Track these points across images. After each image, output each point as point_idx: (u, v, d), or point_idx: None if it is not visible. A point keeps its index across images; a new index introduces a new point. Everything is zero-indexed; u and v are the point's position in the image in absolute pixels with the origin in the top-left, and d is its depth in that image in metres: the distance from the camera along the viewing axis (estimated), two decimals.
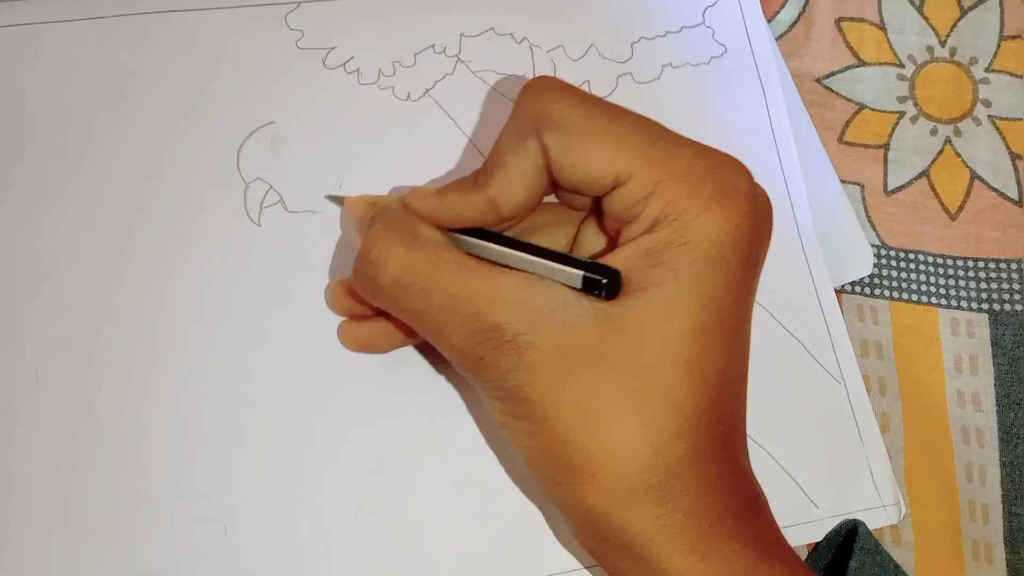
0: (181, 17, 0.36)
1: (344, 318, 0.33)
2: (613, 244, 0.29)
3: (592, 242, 0.30)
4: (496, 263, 0.28)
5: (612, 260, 0.27)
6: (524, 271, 0.27)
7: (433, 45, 0.37)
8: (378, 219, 0.29)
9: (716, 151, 0.28)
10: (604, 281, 0.26)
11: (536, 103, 0.27)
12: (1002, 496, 0.36)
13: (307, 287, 0.33)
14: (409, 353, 0.33)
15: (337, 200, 0.34)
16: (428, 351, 0.33)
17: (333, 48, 0.36)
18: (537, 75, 0.28)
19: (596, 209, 0.29)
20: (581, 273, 0.26)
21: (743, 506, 0.27)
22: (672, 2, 0.40)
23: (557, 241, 0.31)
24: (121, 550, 0.30)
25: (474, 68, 0.37)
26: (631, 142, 0.27)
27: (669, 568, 0.26)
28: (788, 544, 0.28)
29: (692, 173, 0.27)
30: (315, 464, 0.32)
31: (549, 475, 0.27)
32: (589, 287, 0.26)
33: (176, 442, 0.31)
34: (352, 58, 0.36)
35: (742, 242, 0.27)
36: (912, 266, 0.39)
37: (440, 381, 0.33)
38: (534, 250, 0.27)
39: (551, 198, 0.30)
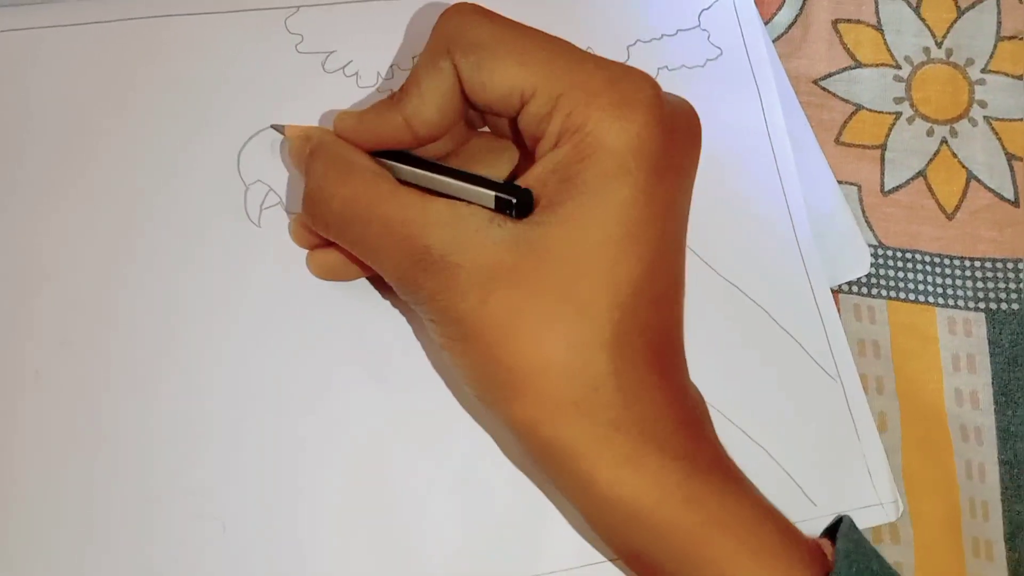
0: (181, 21, 0.36)
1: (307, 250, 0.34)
2: (531, 161, 0.29)
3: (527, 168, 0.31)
4: (428, 191, 0.29)
5: (525, 180, 0.28)
6: (448, 196, 0.28)
7: None
8: (318, 155, 0.31)
9: (621, 64, 0.28)
10: (514, 201, 0.27)
11: (449, 25, 0.29)
12: (1001, 493, 0.36)
13: (306, 288, 0.34)
14: (409, 354, 0.33)
15: (279, 128, 0.34)
16: (381, 286, 0.34)
17: (332, 52, 0.37)
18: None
19: (514, 133, 0.30)
20: (493, 194, 0.27)
21: (677, 419, 0.28)
22: (667, 5, 0.40)
23: (500, 167, 0.31)
24: (120, 548, 0.30)
25: None
26: (535, 58, 0.28)
27: (600, 480, 0.27)
28: (730, 460, 0.29)
29: (591, 84, 0.27)
30: (314, 462, 0.32)
31: (483, 392, 0.28)
32: (501, 207, 0.27)
33: (175, 441, 0.32)
34: (351, 62, 0.37)
35: (645, 152, 0.27)
36: (909, 266, 0.39)
37: (440, 380, 0.33)
38: (454, 174, 0.29)
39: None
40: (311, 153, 0.31)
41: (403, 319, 0.34)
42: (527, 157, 0.31)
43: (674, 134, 0.28)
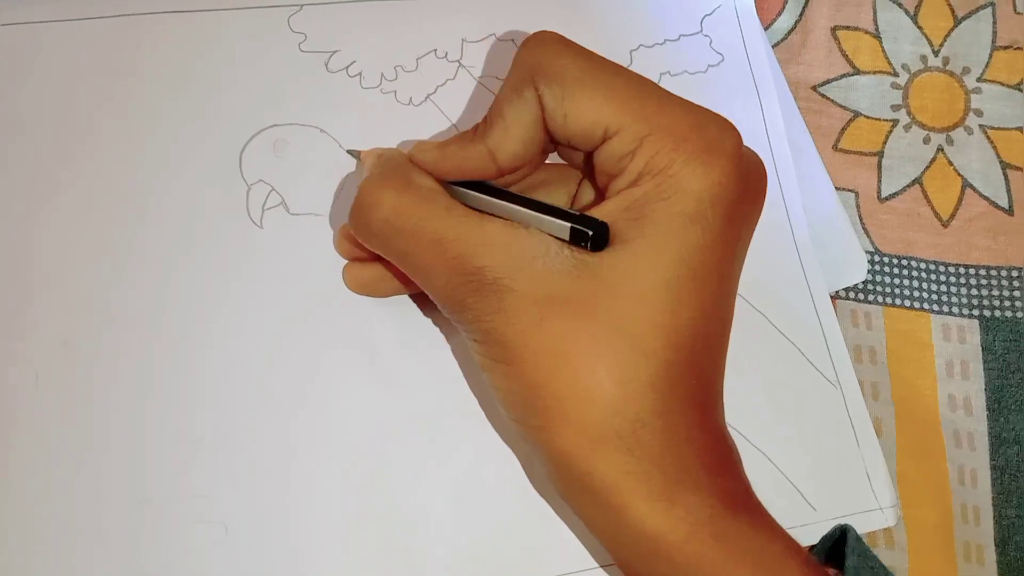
0: (184, 18, 0.36)
1: (347, 261, 0.34)
2: (601, 197, 0.29)
3: (587, 199, 0.31)
4: (487, 213, 0.29)
5: (596, 213, 0.28)
6: (514, 221, 0.28)
7: (435, 50, 0.37)
8: (378, 165, 0.31)
9: (706, 110, 0.28)
10: (591, 233, 0.27)
11: (533, 55, 0.28)
12: (993, 499, 0.37)
13: (308, 288, 0.33)
14: (412, 359, 0.33)
15: (355, 153, 0.34)
16: (423, 303, 0.34)
17: (336, 51, 0.36)
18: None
19: (587, 165, 0.30)
20: (569, 225, 0.27)
21: (712, 460, 0.28)
22: (671, 10, 0.40)
23: (558, 199, 0.31)
24: (121, 552, 0.30)
25: (476, 73, 0.37)
26: (622, 96, 0.27)
27: (633, 514, 0.27)
28: (758, 500, 0.29)
29: (678, 128, 0.27)
30: (316, 466, 0.32)
31: (523, 417, 0.28)
32: (576, 239, 0.27)
33: (177, 444, 0.31)
34: (355, 62, 0.36)
35: (724, 201, 0.27)
36: (905, 272, 0.39)
37: (442, 383, 0.33)
38: (527, 203, 0.28)
39: (556, 158, 0.31)
40: (374, 165, 0.31)
41: (405, 322, 0.34)
42: (585, 189, 0.31)
43: (748, 184, 0.28)
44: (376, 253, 0.31)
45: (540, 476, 0.32)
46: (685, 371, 0.27)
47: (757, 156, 0.29)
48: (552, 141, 0.29)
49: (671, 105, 0.28)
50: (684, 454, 0.27)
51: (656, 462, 0.27)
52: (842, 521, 0.34)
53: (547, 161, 0.32)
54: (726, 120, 0.28)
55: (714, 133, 0.27)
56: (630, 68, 0.29)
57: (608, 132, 0.27)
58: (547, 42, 0.28)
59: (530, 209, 0.28)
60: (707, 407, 0.28)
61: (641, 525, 0.27)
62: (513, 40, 0.38)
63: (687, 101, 0.28)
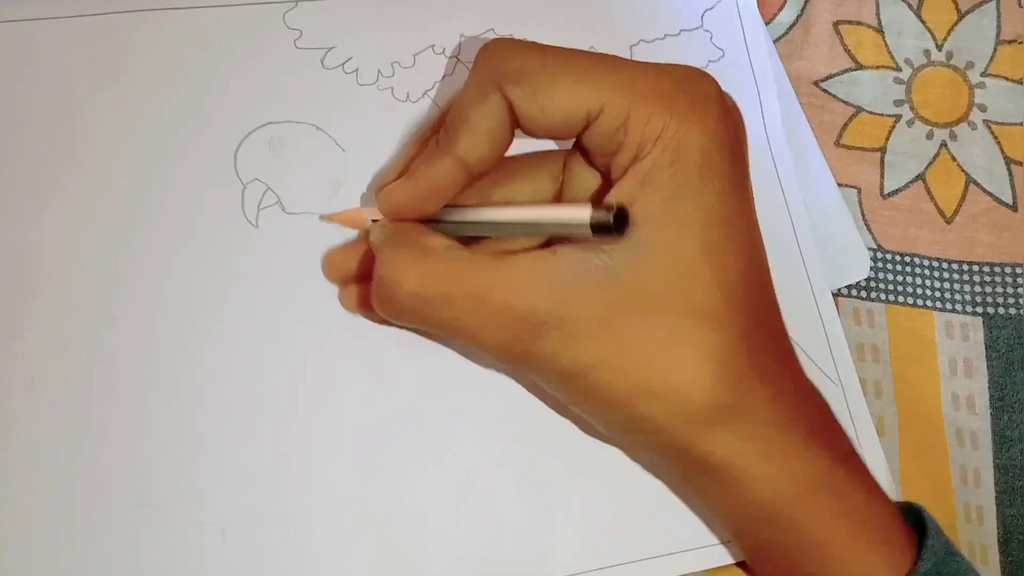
0: (179, 15, 0.36)
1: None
2: (606, 177, 0.29)
3: (584, 180, 0.30)
4: (505, 251, 0.28)
5: (614, 195, 0.27)
6: (540, 249, 0.27)
7: (433, 46, 0.37)
8: (388, 241, 0.30)
9: (677, 65, 0.28)
10: (611, 221, 0.26)
11: (495, 60, 0.28)
12: (996, 498, 0.37)
13: (305, 289, 0.33)
14: (412, 359, 0.33)
15: (330, 220, 0.34)
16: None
17: (332, 48, 0.36)
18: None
19: (581, 149, 0.30)
20: (587, 217, 0.26)
21: (812, 410, 0.29)
22: (671, 5, 0.40)
23: (544, 185, 0.31)
24: (119, 554, 0.30)
25: None
26: (593, 74, 0.27)
27: (756, 477, 0.27)
28: (854, 449, 0.29)
29: (660, 90, 0.27)
30: (314, 468, 0.32)
31: (626, 430, 0.28)
32: (599, 230, 0.26)
33: (174, 446, 0.31)
34: (351, 58, 0.36)
35: (725, 145, 0.27)
36: (908, 269, 0.39)
37: (441, 384, 0.33)
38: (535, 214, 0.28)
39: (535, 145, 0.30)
40: (383, 242, 0.30)
41: None
42: (574, 172, 0.30)
43: (737, 123, 0.28)
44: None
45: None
46: (753, 321, 0.28)
47: (729, 95, 0.29)
48: (531, 136, 0.29)
49: (644, 70, 0.28)
50: (787, 407, 0.28)
51: (768, 422, 0.27)
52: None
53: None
54: (699, 69, 0.28)
55: (694, 84, 0.28)
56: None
57: (591, 114, 0.27)
58: (505, 44, 0.28)
59: (540, 213, 0.28)
60: (787, 355, 0.29)
61: (762, 490, 0.27)
62: (512, 36, 0.37)
63: (655, 63, 0.28)
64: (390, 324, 0.32)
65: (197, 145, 0.34)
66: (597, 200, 0.29)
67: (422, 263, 0.28)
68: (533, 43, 0.28)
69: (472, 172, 0.29)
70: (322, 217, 0.34)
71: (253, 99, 0.35)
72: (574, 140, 0.30)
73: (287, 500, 0.31)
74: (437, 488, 0.32)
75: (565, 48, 0.28)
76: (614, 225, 0.26)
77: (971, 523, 0.36)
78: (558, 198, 0.31)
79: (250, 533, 0.31)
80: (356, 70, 0.36)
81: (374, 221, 0.31)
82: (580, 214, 0.26)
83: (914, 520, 0.29)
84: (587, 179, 0.30)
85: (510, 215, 0.28)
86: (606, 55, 0.28)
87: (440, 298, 0.28)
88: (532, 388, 0.33)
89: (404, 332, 0.33)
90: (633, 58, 0.38)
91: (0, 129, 0.34)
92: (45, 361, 0.31)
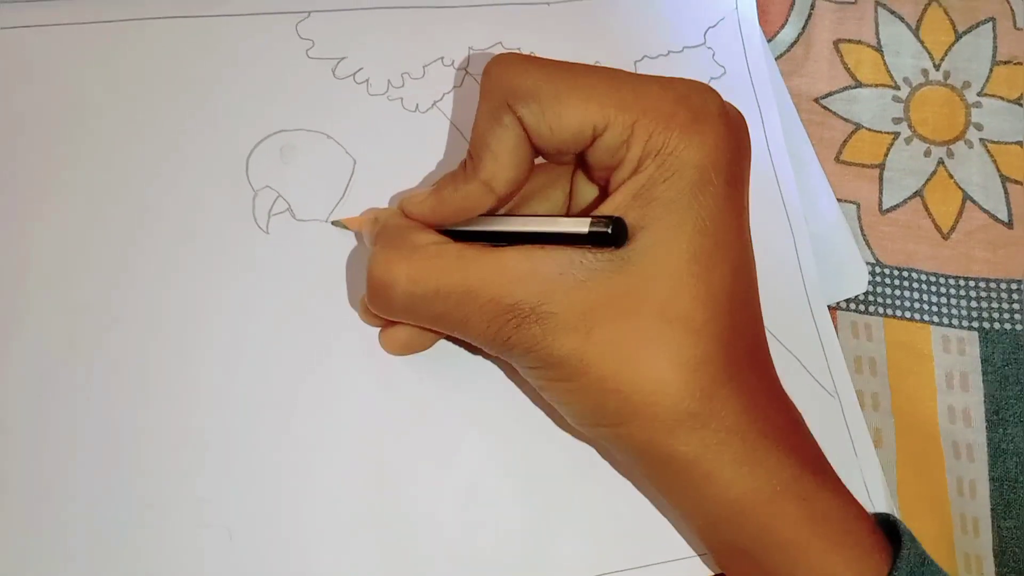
0: (192, 23, 0.36)
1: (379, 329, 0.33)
2: (604, 195, 0.30)
3: (587, 194, 0.31)
4: (495, 245, 0.29)
5: (607, 208, 0.28)
6: (530, 245, 0.28)
7: (442, 58, 0.37)
8: (378, 240, 0.30)
9: (681, 80, 0.29)
10: (609, 231, 0.26)
11: (500, 79, 0.28)
12: (991, 510, 0.37)
13: (314, 295, 0.34)
14: (416, 363, 0.33)
15: (341, 224, 0.34)
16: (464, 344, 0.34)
17: (343, 58, 0.37)
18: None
19: (582, 163, 0.30)
20: (588, 222, 0.27)
21: (784, 421, 0.29)
22: (675, 22, 0.40)
23: (555, 200, 0.32)
24: (126, 555, 0.30)
25: None
26: (600, 92, 0.28)
27: (719, 483, 0.28)
28: (828, 462, 0.30)
29: (662, 106, 0.28)
30: (321, 471, 0.32)
31: (594, 422, 0.29)
32: (598, 242, 0.27)
33: (182, 448, 0.31)
34: (362, 68, 0.37)
35: (723, 162, 0.28)
36: (905, 284, 0.40)
37: (447, 391, 0.33)
38: (534, 224, 0.28)
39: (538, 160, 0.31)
40: (374, 241, 0.31)
41: None
42: (580, 184, 0.31)
43: (739, 140, 0.29)
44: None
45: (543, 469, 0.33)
46: (734, 335, 0.28)
47: (736, 109, 0.30)
48: (541, 154, 0.30)
49: (649, 85, 0.28)
50: (757, 417, 0.28)
51: (733, 430, 0.27)
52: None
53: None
54: (703, 84, 0.29)
55: (697, 101, 0.28)
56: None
57: (597, 129, 0.28)
58: (510, 63, 0.28)
59: (540, 226, 0.28)
60: (764, 368, 0.29)
61: (727, 492, 0.28)
62: (519, 49, 0.38)
63: (661, 77, 0.29)
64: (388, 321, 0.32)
65: (209, 152, 0.35)
66: (591, 212, 0.29)
67: (413, 261, 0.29)
68: (538, 59, 0.29)
69: (500, 195, 0.29)
70: (333, 222, 0.34)
71: (265, 107, 0.35)
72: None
73: (293, 502, 0.31)
74: (441, 493, 0.32)
75: (570, 64, 0.29)
76: (612, 238, 0.27)
77: (967, 534, 0.37)
78: (568, 209, 0.32)
79: (256, 535, 0.31)
80: (367, 80, 0.37)
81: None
82: (579, 227, 0.27)
83: (890, 532, 0.30)
84: (590, 194, 0.31)
85: (514, 226, 0.29)
86: (612, 70, 0.29)
87: (431, 294, 0.29)
88: (511, 374, 0.34)
89: None
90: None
91: (14, 135, 0.34)
92: (54, 361, 0.32)
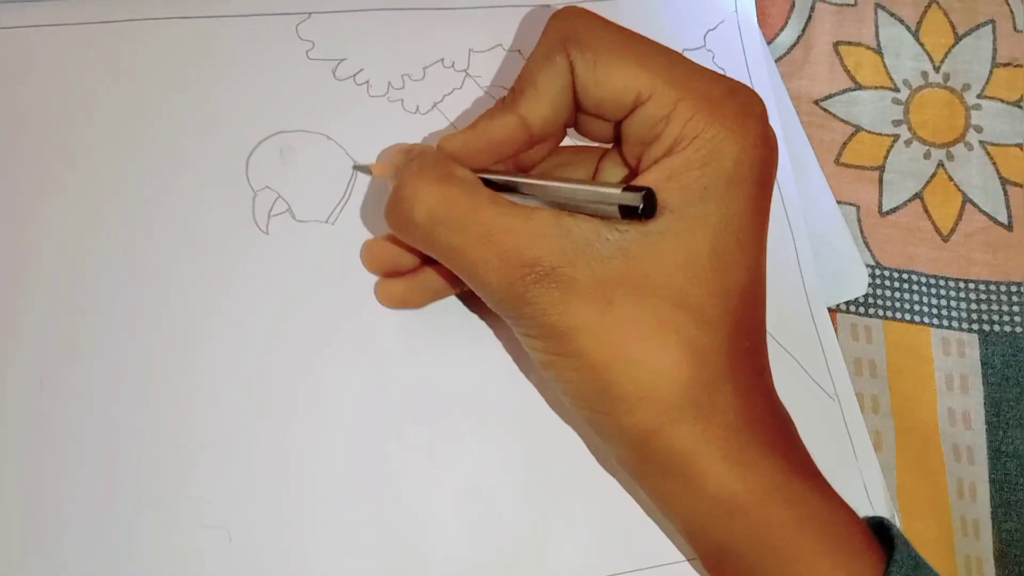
0: (193, 24, 0.36)
1: (378, 279, 0.34)
2: (634, 175, 0.29)
3: (613, 176, 0.31)
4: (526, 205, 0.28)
5: (638, 183, 0.28)
6: (560, 206, 0.28)
7: (443, 59, 0.37)
8: (415, 159, 0.30)
9: (732, 79, 0.29)
10: (640, 206, 0.26)
11: (565, 24, 0.29)
12: (992, 513, 0.37)
13: (314, 296, 0.34)
14: (417, 363, 0.33)
15: (364, 169, 0.34)
16: (468, 300, 0.34)
17: (344, 60, 0.37)
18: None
19: (616, 139, 0.30)
20: (619, 191, 0.26)
21: (778, 424, 0.29)
22: (674, 24, 0.40)
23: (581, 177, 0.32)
24: (125, 556, 0.30)
25: (482, 83, 0.37)
26: (653, 62, 0.28)
27: (712, 480, 0.28)
28: (817, 467, 0.30)
29: (710, 94, 0.28)
30: (320, 471, 0.32)
31: (594, 405, 0.28)
32: (626, 213, 0.27)
33: (181, 448, 0.31)
34: (362, 70, 0.37)
35: (757, 163, 0.28)
36: (905, 286, 0.40)
37: (447, 390, 0.33)
38: (569, 181, 0.28)
39: (568, 141, 0.31)
40: (409, 161, 0.30)
41: (411, 328, 0.34)
42: (607, 167, 0.31)
43: (773, 149, 0.29)
44: (412, 263, 0.31)
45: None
46: (742, 334, 0.28)
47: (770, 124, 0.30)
48: (580, 110, 0.30)
49: (701, 72, 0.28)
50: (755, 417, 0.28)
51: (732, 427, 0.27)
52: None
53: (565, 144, 0.32)
54: (751, 88, 0.29)
55: (744, 98, 0.28)
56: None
57: (640, 97, 0.28)
58: (578, 13, 0.29)
59: (573, 184, 0.28)
60: (763, 370, 0.29)
61: (718, 490, 0.28)
62: (520, 51, 0.38)
63: (713, 71, 0.29)
64: (395, 308, 0.33)
65: (209, 152, 0.35)
66: None
67: (444, 186, 0.28)
68: (604, 18, 0.29)
69: (532, 132, 0.29)
70: (355, 167, 0.34)
71: (265, 108, 0.35)
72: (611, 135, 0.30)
73: (292, 503, 0.31)
74: (441, 493, 0.32)
75: (632, 31, 0.29)
76: (642, 210, 0.26)
77: (968, 536, 0.37)
78: None
79: (255, 536, 0.31)
80: (367, 82, 0.37)
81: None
82: (611, 192, 0.27)
83: (883, 536, 0.29)
84: (617, 176, 0.31)
85: (548, 183, 0.29)
86: (672, 50, 0.29)
87: (454, 222, 0.28)
88: (508, 344, 0.34)
89: (413, 338, 0.33)
90: None
91: (13, 136, 0.34)
92: (53, 362, 0.32)
